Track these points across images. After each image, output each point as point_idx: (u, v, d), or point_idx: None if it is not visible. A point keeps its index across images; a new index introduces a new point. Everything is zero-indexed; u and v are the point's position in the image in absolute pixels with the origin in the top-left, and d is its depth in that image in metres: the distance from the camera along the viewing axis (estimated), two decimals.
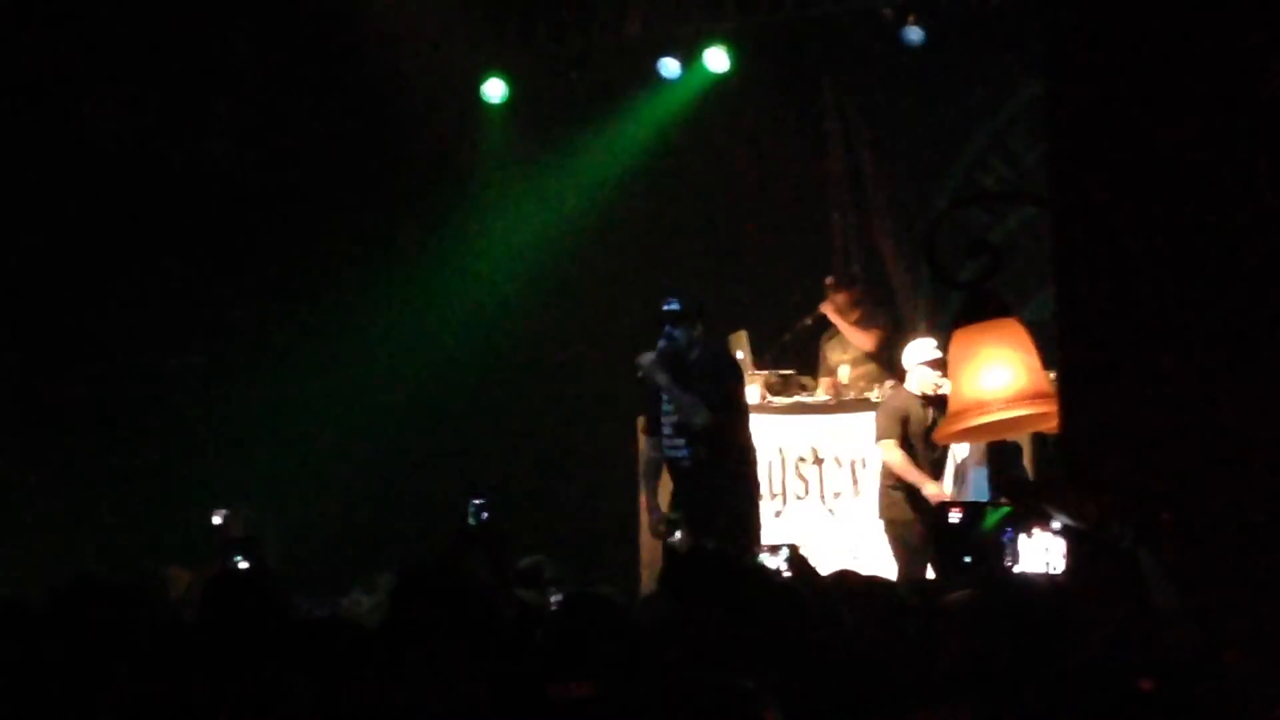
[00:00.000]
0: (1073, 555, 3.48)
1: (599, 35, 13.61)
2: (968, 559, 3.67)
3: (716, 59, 13.23)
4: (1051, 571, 3.57)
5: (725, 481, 9.73)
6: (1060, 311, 4.25)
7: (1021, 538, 3.64)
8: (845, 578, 5.94)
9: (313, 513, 13.01)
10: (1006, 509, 3.66)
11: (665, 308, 9.85)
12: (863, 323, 11.57)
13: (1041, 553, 3.59)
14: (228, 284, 13.55)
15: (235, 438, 13.22)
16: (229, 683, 4.34)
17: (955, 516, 3.59)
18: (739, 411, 9.94)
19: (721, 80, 13.36)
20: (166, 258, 13.25)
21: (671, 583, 5.81)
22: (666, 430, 9.89)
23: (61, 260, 12.90)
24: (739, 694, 3.32)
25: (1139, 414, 3.98)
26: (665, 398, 9.83)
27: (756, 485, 10.02)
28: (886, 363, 11.38)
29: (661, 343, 9.78)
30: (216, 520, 9.66)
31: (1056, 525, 3.51)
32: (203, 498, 11.52)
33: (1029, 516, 3.66)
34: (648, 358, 9.78)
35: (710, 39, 13.23)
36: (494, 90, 13.98)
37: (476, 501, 6.81)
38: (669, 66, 13.36)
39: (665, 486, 10.03)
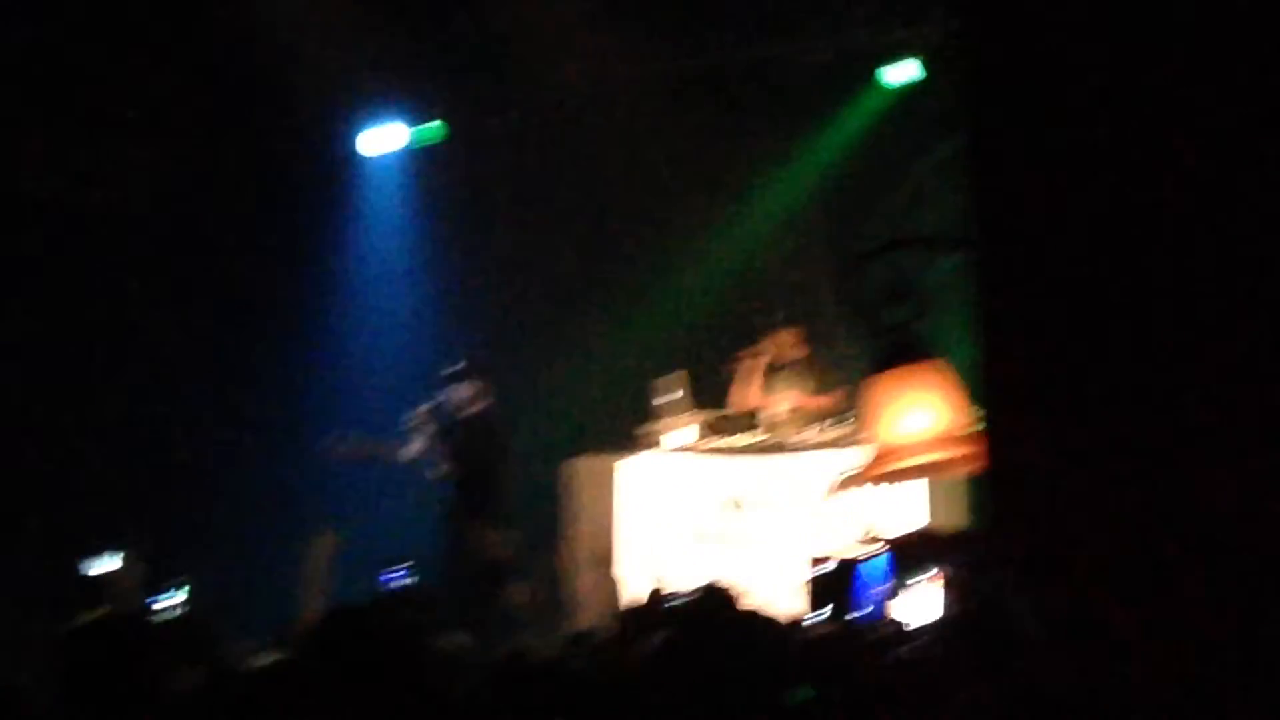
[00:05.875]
0: (947, 600, 3.51)
1: (537, 80, 13.62)
2: (844, 609, 3.70)
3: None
4: (928, 618, 3.60)
5: (485, 530, 10.95)
6: (984, 353, 4.27)
7: (901, 586, 3.67)
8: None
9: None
10: (882, 559, 3.68)
11: (449, 370, 11.20)
12: (814, 370, 11.65)
13: (919, 600, 3.62)
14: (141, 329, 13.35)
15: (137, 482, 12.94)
16: None
17: (827, 568, 3.63)
18: (500, 467, 11.18)
19: (657, 120, 13.37)
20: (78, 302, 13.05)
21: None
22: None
23: None
24: None
25: (1065, 456, 3.99)
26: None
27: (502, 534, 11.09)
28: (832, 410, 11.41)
29: (439, 397, 11.12)
30: (103, 568, 9.25)
31: (932, 572, 3.54)
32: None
33: (907, 565, 3.69)
34: (423, 411, 11.16)
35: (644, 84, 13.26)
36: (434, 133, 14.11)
37: (394, 573, 6.82)
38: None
39: None
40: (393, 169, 14.37)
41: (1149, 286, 3.90)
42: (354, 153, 14.25)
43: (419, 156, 14.34)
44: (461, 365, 11.24)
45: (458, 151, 14.24)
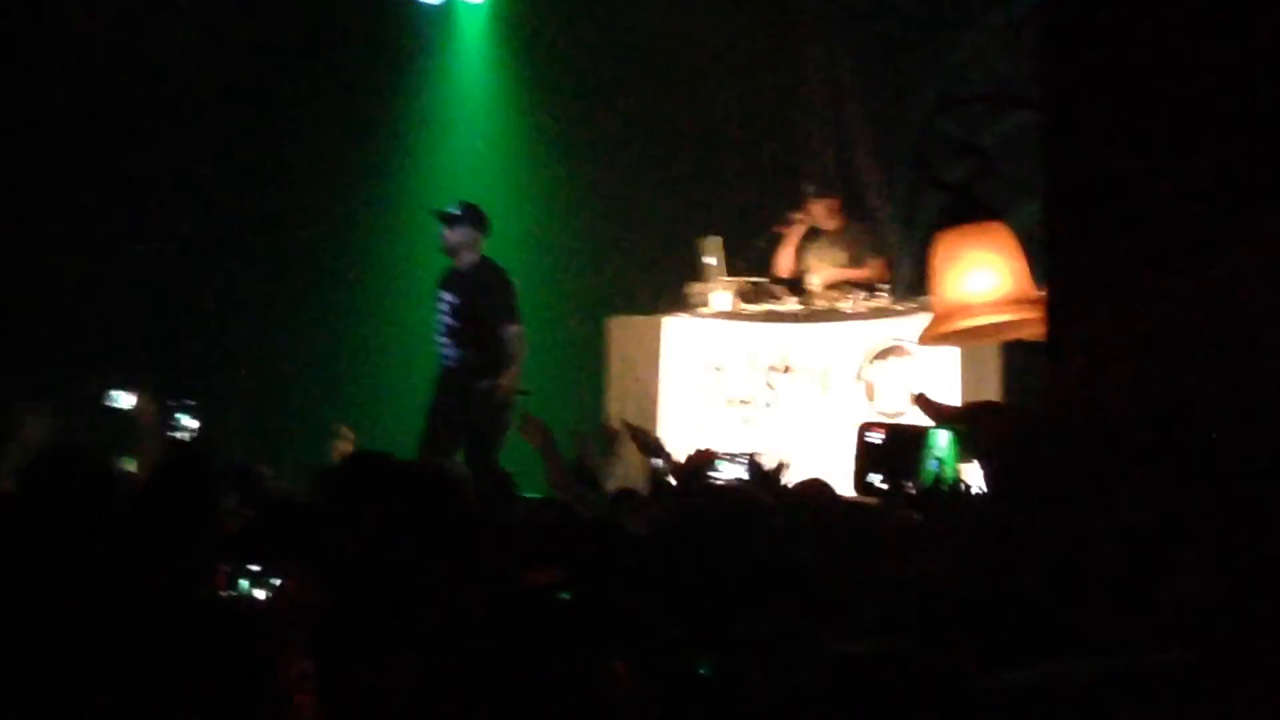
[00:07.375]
0: (989, 478, 3.46)
1: None
2: (880, 480, 3.65)
3: None
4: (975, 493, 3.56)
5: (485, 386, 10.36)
6: (1049, 219, 4.16)
7: (960, 458, 3.62)
8: (812, 487, 5.96)
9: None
10: (951, 434, 3.61)
11: (443, 210, 10.76)
12: (850, 240, 11.58)
13: (971, 472, 3.58)
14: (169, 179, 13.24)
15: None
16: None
17: (875, 437, 3.57)
18: (505, 321, 10.53)
19: None
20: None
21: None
22: (440, 330, 10.67)
23: (17, 155, 12.53)
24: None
25: (1126, 322, 3.90)
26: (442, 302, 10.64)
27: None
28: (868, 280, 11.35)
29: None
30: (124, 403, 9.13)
31: (982, 445, 3.48)
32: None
33: (961, 439, 3.63)
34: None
35: None
36: None
37: None
38: None
39: None
40: (444, 23, 14.24)
41: (1220, 150, 3.77)
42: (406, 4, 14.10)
43: (471, 13, 14.23)
44: (456, 209, 10.78)
45: (507, 12, 14.13)
